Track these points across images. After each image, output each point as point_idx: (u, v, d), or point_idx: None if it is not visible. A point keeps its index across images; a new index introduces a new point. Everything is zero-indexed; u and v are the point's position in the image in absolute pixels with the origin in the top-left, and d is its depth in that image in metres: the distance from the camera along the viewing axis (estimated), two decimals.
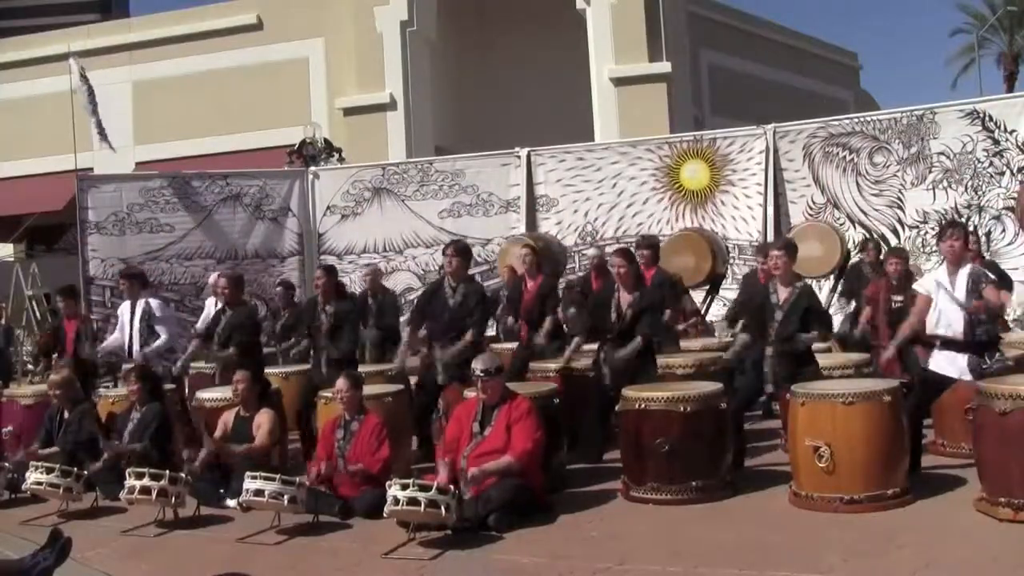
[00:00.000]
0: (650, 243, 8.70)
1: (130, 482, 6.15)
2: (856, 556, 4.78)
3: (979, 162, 10.30)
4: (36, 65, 24.63)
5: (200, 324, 10.58)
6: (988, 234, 10.24)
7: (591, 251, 10.62)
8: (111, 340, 9.13)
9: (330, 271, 8.24)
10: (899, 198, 10.71)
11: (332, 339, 7.85)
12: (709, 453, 6.02)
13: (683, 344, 8.72)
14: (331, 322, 7.89)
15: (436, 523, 5.41)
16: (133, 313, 8.83)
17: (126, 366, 8.38)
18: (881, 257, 9.21)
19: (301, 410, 7.96)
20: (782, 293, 6.50)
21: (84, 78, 13.57)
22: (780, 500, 5.86)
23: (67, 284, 10.51)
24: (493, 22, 23.02)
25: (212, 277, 10.96)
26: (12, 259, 22.67)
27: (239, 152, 21.68)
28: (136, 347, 8.76)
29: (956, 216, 10.20)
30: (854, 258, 10.25)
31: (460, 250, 7.53)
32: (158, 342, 8.70)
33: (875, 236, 10.54)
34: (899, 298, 7.93)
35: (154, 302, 9.01)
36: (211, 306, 10.32)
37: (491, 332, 9.14)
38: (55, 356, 9.34)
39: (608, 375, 7.01)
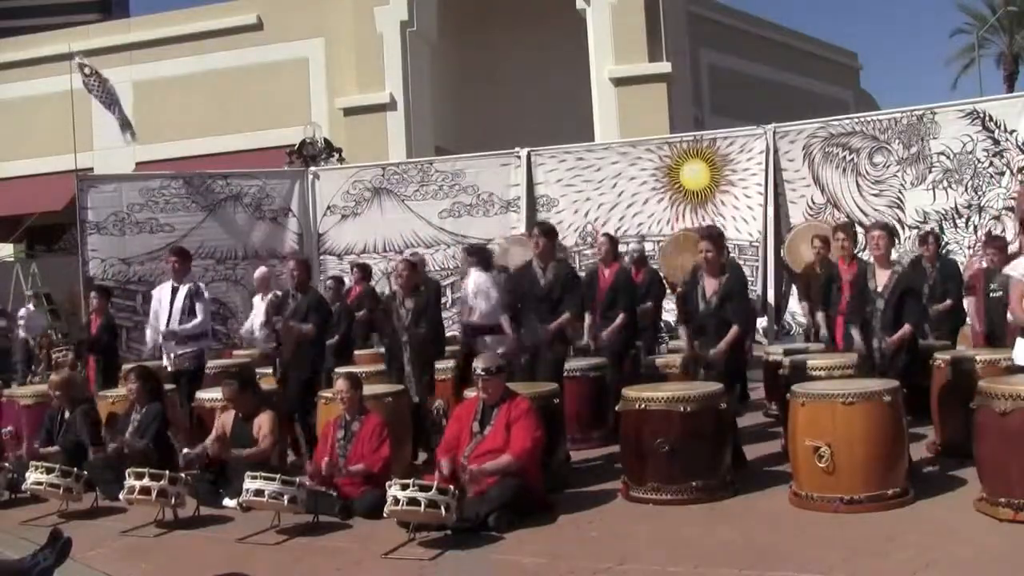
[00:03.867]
0: (548, 229, 7.58)
1: (130, 482, 6.16)
2: (856, 556, 4.77)
3: (979, 162, 10.26)
4: (36, 65, 24.67)
5: (251, 321, 10.35)
6: (988, 234, 10.20)
7: (632, 244, 10.56)
8: (149, 335, 8.97)
9: (413, 265, 8.12)
10: (899, 198, 10.68)
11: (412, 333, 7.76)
12: (709, 453, 6.02)
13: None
14: (412, 317, 7.78)
15: (436, 523, 5.42)
16: (175, 293, 8.70)
17: (126, 366, 8.34)
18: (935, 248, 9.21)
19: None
20: (880, 278, 6.40)
21: (95, 74, 13.48)
22: (780, 500, 5.86)
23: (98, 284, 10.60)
24: (493, 22, 23.02)
25: (259, 272, 10.77)
26: (12, 259, 22.68)
27: (239, 152, 21.71)
28: (174, 326, 8.63)
29: (956, 216, 10.19)
30: (912, 254, 10.04)
31: (546, 231, 7.38)
32: (194, 322, 8.56)
33: (933, 229, 10.18)
34: (995, 286, 7.78)
35: (200, 284, 8.95)
36: (259, 303, 10.13)
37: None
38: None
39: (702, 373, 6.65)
